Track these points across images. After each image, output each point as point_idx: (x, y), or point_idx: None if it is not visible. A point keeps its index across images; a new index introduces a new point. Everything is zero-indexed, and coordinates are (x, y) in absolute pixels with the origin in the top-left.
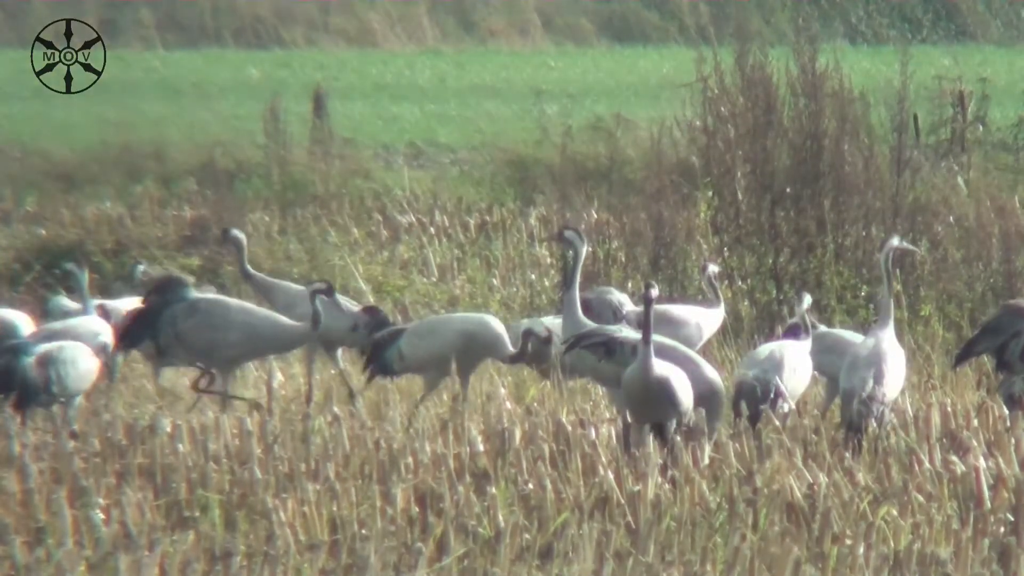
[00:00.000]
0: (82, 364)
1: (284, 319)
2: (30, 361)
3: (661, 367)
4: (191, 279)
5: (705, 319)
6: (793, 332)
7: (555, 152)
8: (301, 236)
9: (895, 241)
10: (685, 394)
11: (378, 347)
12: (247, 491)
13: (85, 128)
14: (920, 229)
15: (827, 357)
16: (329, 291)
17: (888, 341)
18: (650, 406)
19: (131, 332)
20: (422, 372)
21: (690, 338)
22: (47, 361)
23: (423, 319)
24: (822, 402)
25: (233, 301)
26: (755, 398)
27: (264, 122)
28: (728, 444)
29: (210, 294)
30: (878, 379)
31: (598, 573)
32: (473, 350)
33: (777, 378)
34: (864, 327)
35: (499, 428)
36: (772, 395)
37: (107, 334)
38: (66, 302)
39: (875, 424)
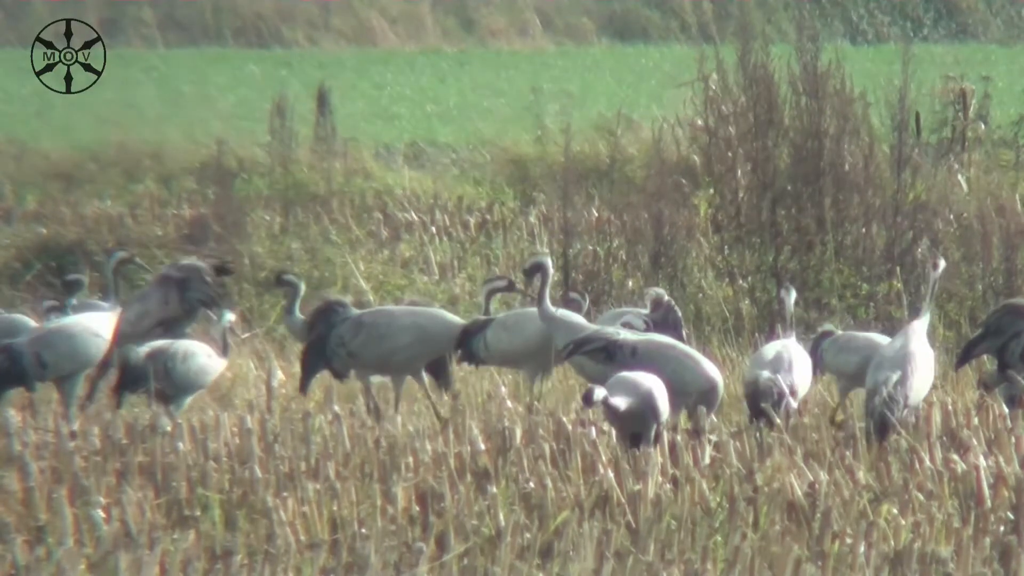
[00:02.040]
0: (195, 362)
1: (450, 315)
2: (138, 352)
3: (645, 380)
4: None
5: None
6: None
7: (555, 151)
8: (302, 235)
9: (942, 263)
10: (665, 405)
11: (468, 334)
12: (247, 490)
13: (85, 127)
14: (921, 227)
15: (842, 356)
16: (510, 286)
17: (916, 342)
18: (632, 418)
19: (307, 366)
20: (507, 365)
21: None
22: (156, 357)
23: (512, 310)
24: (838, 401)
25: (396, 307)
26: (771, 398)
27: (270, 120)
28: (729, 443)
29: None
30: (903, 380)
31: (598, 572)
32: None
33: (788, 378)
34: (863, 326)
35: (500, 427)
36: (786, 395)
37: (108, 332)
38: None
39: (894, 423)
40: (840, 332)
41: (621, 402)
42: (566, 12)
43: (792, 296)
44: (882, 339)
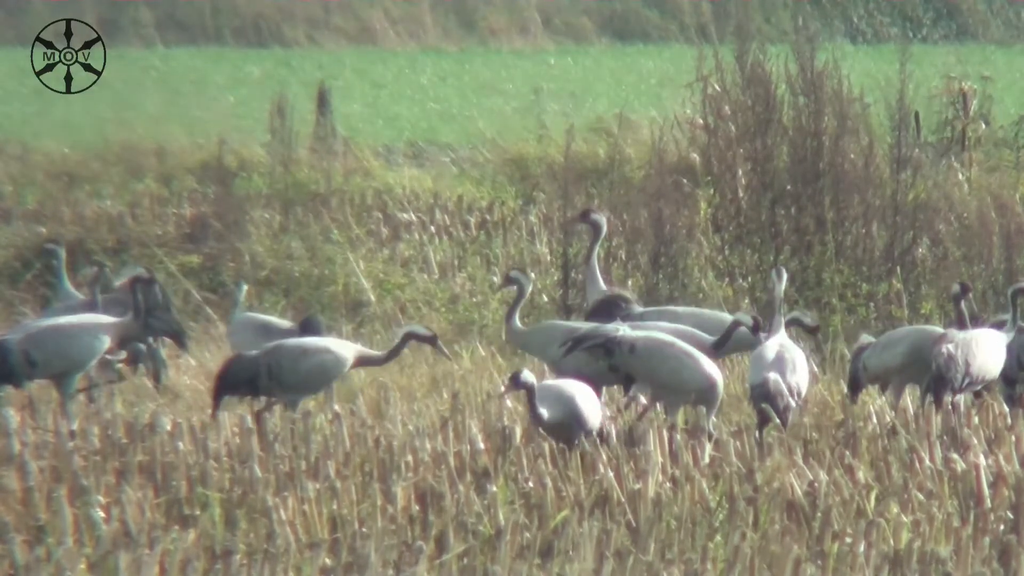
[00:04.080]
0: (308, 361)
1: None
2: (246, 353)
3: (570, 389)
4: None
5: None
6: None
7: (556, 150)
8: (302, 234)
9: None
10: (592, 414)
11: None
12: (247, 489)
13: (85, 126)
14: (921, 227)
15: (886, 353)
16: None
17: (985, 329)
18: (558, 427)
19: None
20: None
21: None
22: (266, 356)
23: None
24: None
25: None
26: (783, 400)
27: (270, 119)
28: (728, 442)
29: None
30: (966, 346)
31: (598, 571)
32: None
33: (793, 379)
34: (864, 326)
35: (499, 426)
36: (793, 397)
37: (104, 335)
38: None
39: (957, 384)
40: (871, 339)
41: (545, 412)
42: (566, 12)
43: (783, 279)
44: (928, 328)
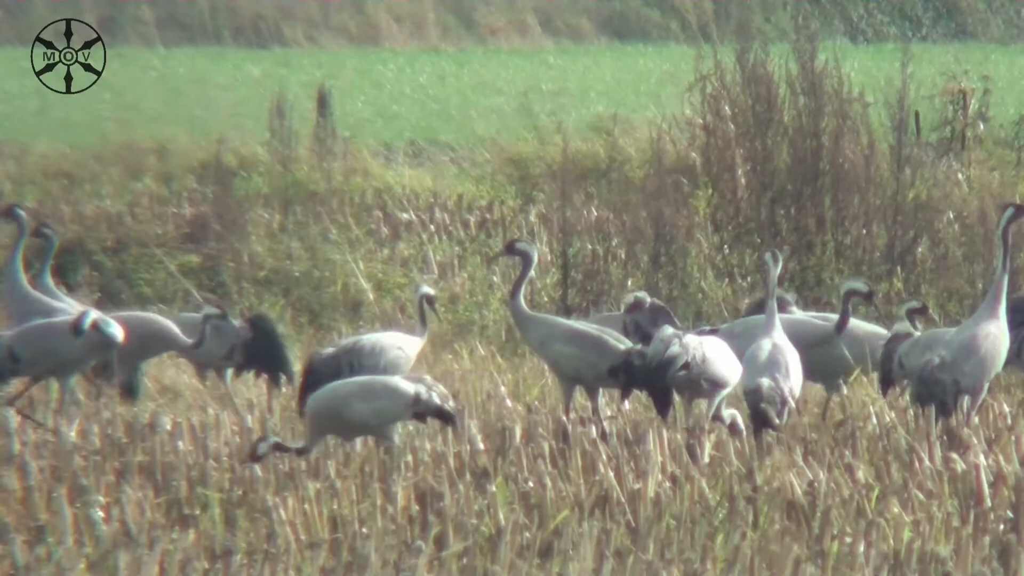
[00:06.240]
0: (384, 357)
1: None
2: (322, 353)
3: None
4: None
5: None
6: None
7: (554, 150)
8: (302, 234)
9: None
10: (360, 410)
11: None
12: (247, 489)
13: (85, 126)
14: (921, 226)
15: (928, 356)
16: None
17: (984, 325)
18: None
19: None
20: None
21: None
22: (342, 355)
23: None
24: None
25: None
26: (776, 406)
27: (269, 119)
28: (728, 442)
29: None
30: (955, 362)
31: (598, 571)
32: None
33: (787, 383)
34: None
35: (499, 426)
36: (788, 401)
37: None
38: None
39: (950, 401)
40: (918, 333)
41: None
42: (565, 12)
43: (779, 264)
44: None
